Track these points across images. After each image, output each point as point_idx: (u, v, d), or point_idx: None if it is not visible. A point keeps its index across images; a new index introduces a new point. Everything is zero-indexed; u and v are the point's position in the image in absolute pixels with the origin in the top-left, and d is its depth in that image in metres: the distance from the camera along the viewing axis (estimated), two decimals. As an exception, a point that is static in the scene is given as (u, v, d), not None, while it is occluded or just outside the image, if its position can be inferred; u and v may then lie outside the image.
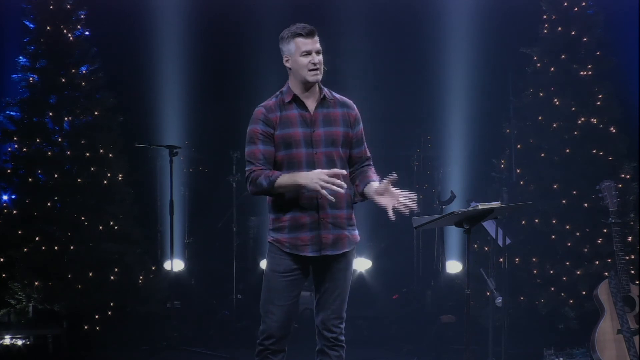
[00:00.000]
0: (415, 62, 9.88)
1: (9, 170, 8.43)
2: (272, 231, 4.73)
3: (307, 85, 4.68)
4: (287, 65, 4.70)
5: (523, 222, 8.13)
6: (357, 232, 4.80)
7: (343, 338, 4.78)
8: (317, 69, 4.64)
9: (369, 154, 4.85)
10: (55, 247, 8.26)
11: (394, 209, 4.52)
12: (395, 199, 4.54)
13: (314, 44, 4.65)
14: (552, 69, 8.36)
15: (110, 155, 8.56)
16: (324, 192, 4.47)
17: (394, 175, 4.55)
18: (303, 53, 4.63)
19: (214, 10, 9.83)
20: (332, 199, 4.52)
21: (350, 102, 4.82)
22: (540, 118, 8.35)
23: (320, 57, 4.67)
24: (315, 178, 4.49)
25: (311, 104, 4.70)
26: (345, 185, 4.52)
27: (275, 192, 4.60)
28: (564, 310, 7.92)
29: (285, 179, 4.56)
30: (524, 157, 8.30)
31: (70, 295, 8.17)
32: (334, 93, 4.79)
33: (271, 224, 4.73)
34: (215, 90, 10.09)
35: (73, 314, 8.22)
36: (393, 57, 9.97)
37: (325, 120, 4.69)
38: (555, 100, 8.32)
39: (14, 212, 8.37)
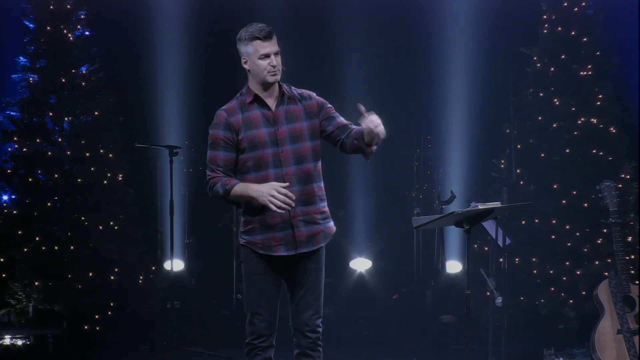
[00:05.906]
0: (415, 62, 9.87)
1: (9, 170, 8.43)
2: (243, 233, 4.75)
3: (267, 86, 4.70)
4: (246, 67, 4.72)
5: (523, 222, 8.12)
6: (332, 223, 4.80)
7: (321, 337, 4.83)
8: (276, 71, 4.66)
9: (347, 121, 4.77)
10: (55, 247, 8.26)
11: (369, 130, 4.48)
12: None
13: (272, 46, 4.65)
14: (552, 69, 8.36)
15: (110, 155, 8.55)
16: (272, 207, 4.48)
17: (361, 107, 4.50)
18: (261, 56, 4.64)
19: (214, 11, 9.82)
20: (282, 212, 4.51)
21: (309, 93, 4.80)
22: (540, 118, 8.34)
23: (279, 58, 4.68)
24: (266, 193, 4.50)
25: (272, 102, 4.72)
26: (293, 204, 4.52)
27: (230, 200, 4.63)
28: (564, 310, 7.91)
29: (239, 189, 4.58)
30: (524, 157, 8.29)
31: (70, 295, 8.17)
32: (293, 88, 4.79)
33: (242, 226, 4.75)
34: (215, 90, 10.07)
35: (73, 314, 8.22)
36: (393, 57, 9.96)
37: (288, 118, 4.69)
38: (555, 100, 8.31)
39: (14, 212, 8.37)
